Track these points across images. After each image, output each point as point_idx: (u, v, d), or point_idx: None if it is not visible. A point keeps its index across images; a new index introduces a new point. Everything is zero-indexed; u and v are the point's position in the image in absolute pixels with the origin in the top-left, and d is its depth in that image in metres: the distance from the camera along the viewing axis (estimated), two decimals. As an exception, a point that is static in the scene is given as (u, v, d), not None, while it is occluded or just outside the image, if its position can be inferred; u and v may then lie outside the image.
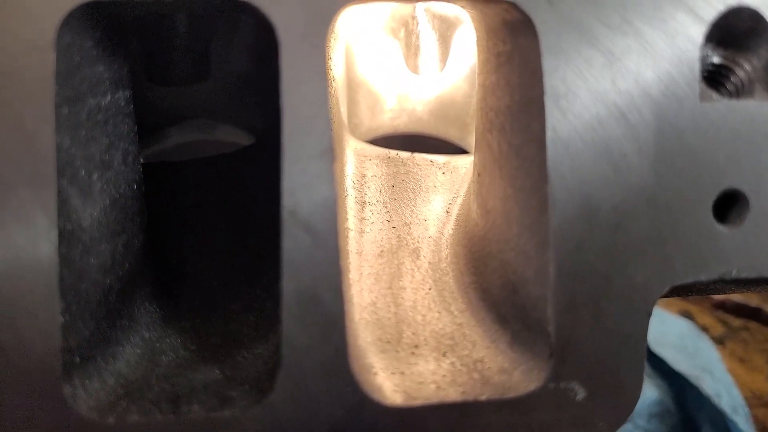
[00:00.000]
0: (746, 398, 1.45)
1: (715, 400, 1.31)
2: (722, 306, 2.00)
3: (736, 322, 1.97)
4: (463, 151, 0.78)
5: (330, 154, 0.32)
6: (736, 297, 1.98)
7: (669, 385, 1.41)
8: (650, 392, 1.39)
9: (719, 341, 1.81)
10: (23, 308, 0.31)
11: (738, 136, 0.36)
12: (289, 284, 0.32)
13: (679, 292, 0.40)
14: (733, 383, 1.44)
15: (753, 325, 1.95)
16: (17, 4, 0.31)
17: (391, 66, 0.72)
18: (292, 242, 0.32)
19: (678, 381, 1.39)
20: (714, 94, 0.36)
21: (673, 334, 1.53)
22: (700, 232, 0.36)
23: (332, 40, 0.54)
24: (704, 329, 1.74)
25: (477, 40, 0.42)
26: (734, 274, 0.37)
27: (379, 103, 0.76)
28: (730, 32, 0.36)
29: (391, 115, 0.77)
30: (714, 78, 0.37)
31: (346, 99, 0.72)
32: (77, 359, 0.33)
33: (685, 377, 1.38)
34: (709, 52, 0.37)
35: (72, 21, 0.31)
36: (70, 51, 0.33)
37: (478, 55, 0.42)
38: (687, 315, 1.89)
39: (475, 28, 0.42)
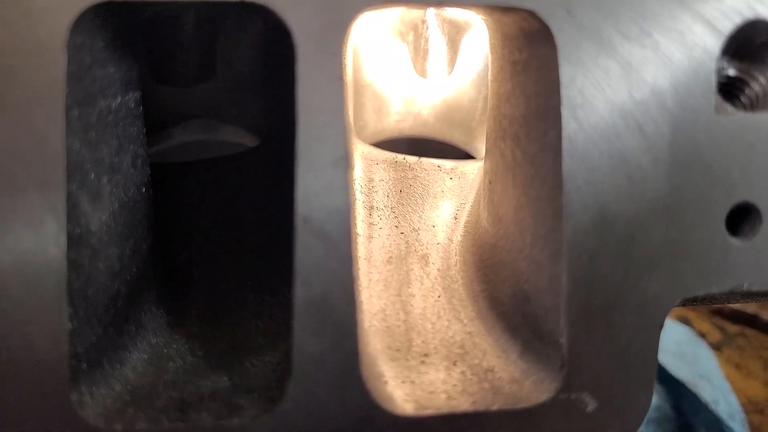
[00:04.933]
0: (742, 405, 1.45)
1: (713, 406, 1.32)
2: (719, 312, 2.00)
3: (733, 328, 1.97)
4: (468, 156, 0.77)
5: (345, 162, 0.32)
6: (733, 304, 1.98)
7: (667, 390, 1.41)
8: (648, 397, 1.39)
9: (716, 347, 1.81)
10: (31, 313, 0.30)
11: (752, 149, 0.36)
12: (301, 292, 0.31)
13: (689, 303, 0.40)
14: (731, 390, 1.45)
15: (749, 331, 1.95)
16: (28, 4, 0.30)
17: (399, 69, 0.72)
18: (305, 250, 0.32)
19: (676, 387, 1.40)
20: (729, 107, 0.36)
21: (672, 340, 1.53)
22: (713, 244, 0.36)
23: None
24: (702, 335, 1.75)
25: (492, 48, 0.42)
26: (745, 287, 0.37)
27: (385, 105, 0.75)
28: (746, 45, 0.36)
29: (396, 118, 0.77)
30: (729, 90, 0.37)
31: (352, 101, 0.72)
32: (84, 365, 0.33)
33: (683, 383, 1.38)
34: (725, 65, 0.37)
35: (83, 21, 0.31)
36: (81, 52, 0.32)
37: (493, 63, 0.42)
38: (684, 321, 1.89)
39: (491, 36, 0.42)
